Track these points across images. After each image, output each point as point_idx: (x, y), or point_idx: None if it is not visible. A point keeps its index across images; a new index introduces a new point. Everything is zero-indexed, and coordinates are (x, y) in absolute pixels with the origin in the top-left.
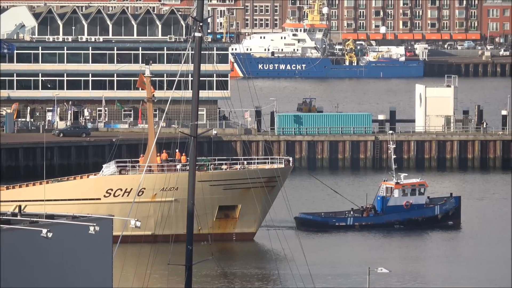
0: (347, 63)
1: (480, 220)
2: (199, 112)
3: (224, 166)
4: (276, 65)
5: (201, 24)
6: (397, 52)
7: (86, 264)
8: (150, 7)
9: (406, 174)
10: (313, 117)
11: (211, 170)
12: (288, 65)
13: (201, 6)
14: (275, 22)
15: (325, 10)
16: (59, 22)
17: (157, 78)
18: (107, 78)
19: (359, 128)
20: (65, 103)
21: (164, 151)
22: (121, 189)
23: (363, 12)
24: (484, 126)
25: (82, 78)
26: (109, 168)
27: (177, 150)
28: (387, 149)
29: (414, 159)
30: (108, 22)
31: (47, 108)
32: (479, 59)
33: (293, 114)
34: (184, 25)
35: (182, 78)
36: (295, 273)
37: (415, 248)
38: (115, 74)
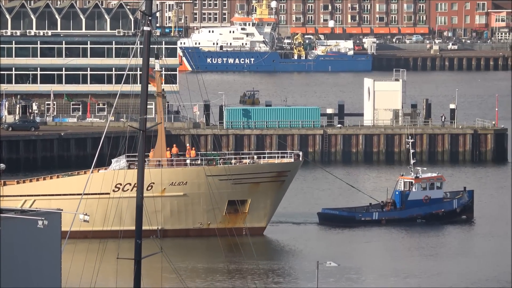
0: (295, 57)
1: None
2: (148, 106)
3: (233, 161)
4: (224, 59)
5: (149, 18)
6: (346, 46)
7: (35, 258)
8: (99, 1)
9: (425, 168)
10: (262, 111)
11: (220, 164)
12: (237, 59)
13: (150, 0)
14: (224, 16)
15: (273, 4)
16: (7, 16)
17: (105, 72)
18: (55, 72)
19: (308, 122)
20: (13, 97)
21: (174, 145)
22: (130, 184)
23: (311, 6)
24: (443, 120)
25: (31, 72)
26: (119, 162)
27: (188, 145)
28: (335, 143)
29: (363, 153)
30: (57, 16)
31: None
32: (428, 53)
33: (241, 108)
34: (132, 19)
35: (131, 72)
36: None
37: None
38: (63, 68)
